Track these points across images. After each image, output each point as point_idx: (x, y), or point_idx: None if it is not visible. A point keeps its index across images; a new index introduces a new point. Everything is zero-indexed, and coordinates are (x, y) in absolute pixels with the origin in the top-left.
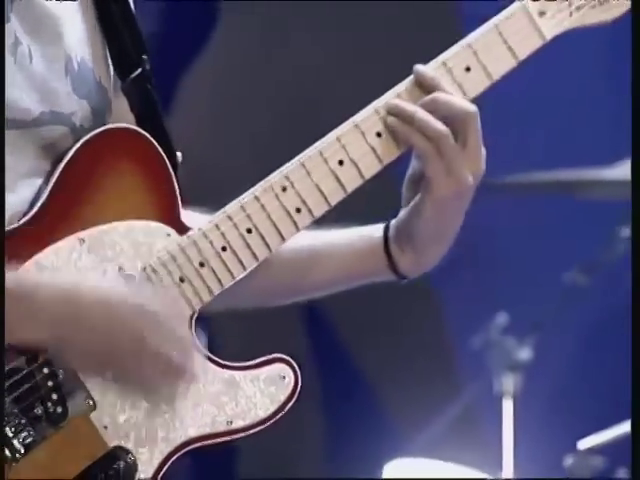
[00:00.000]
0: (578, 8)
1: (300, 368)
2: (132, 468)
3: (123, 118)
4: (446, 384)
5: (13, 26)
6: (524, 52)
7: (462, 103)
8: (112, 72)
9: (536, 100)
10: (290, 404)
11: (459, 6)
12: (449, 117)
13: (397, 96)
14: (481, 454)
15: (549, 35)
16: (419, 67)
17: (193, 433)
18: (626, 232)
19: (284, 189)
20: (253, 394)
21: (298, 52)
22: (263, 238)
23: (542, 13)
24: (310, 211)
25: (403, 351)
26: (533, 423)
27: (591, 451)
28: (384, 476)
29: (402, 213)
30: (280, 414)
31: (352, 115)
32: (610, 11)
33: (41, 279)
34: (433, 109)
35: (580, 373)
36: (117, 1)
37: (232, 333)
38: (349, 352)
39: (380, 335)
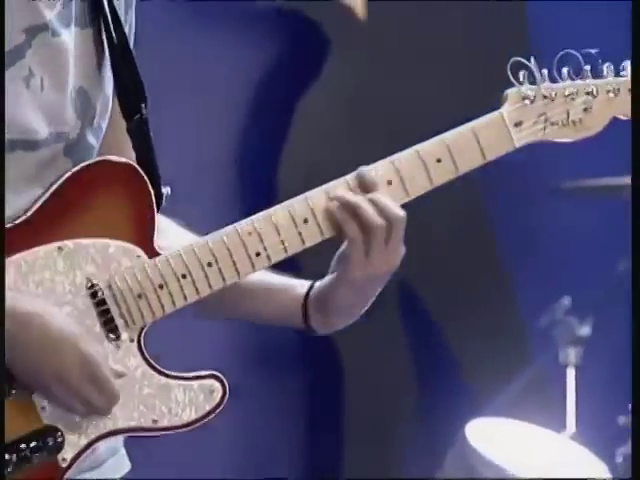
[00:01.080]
0: (552, 124)
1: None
2: (59, 447)
3: (117, 145)
4: (520, 356)
5: (28, 61)
6: (493, 155)
7: (395, 208)
8: (115, 107)
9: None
10: (213, 415)
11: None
12: (381, 217)
13: (346, 183)
14: (549, 414)
15: (518, 144)
16: (362, 169)
17: (120, 424)
18: None
19: (249, 234)
20: (182, 400)
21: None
22: (221, 272)
23: (518, 123)
24: (268, 257)
25: (484, 329)
26: (592, 389)
27: None
28: (466, 432)
29: (325, 280)
30: (202, 422)
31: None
32: (582, 132)
33: None
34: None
35: (631, 347)
36: (120, 46)
37: None
38: (441, 332)
39: (465, 317)
